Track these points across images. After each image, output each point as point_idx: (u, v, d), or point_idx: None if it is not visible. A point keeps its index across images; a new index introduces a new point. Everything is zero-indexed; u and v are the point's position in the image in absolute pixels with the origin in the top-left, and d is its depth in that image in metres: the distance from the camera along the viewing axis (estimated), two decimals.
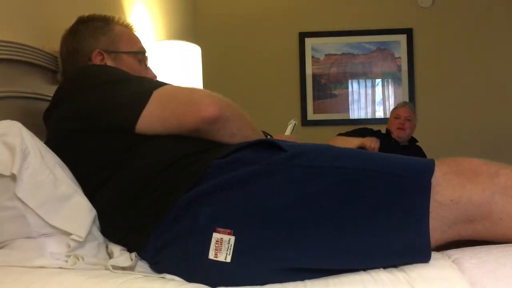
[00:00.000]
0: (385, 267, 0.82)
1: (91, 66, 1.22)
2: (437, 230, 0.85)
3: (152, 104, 0.99)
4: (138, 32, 1.40)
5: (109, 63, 1.26)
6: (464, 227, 0.86)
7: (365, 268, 0.82)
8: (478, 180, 0.87)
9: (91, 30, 1.28)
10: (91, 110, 1.03)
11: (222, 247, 0.83)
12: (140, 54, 1.32)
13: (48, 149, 0.98)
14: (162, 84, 1.05)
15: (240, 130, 1.04)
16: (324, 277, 0.82)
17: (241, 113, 1.05)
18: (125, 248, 0.95)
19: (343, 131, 3.16)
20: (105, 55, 1.26)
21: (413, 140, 3.11)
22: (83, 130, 1.02)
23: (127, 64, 1.27)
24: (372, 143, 2.86)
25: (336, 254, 0.82)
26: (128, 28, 1.35)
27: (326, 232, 0.83)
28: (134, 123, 0.99)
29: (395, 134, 2.97)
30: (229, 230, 0.83)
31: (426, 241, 0.82)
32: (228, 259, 0.82)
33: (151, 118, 0.99)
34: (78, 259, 0.86)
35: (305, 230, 0.84)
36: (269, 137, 1.19)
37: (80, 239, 0.88)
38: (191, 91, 1.03)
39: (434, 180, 0.86)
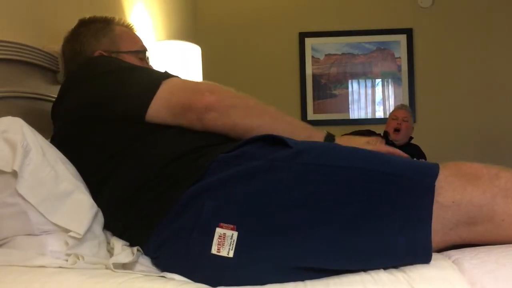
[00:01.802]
0: (385, 267, 0.82)
1: (99, 56, 1.23)
2: (438, 233, 0.85)
3: (162, 93, 1.02)
4: (138, 32, 1.41)
5: None
6: (466, 230, 0.86)
7: (365, 269, 0.82)
8: (479, 183, 0.87)
9: (93, 32, 1.29)
10: (101, 96, 1.04)
11: (225, 242, 0.83)
12: (141, 53, 1.33)
13: (50, 145, 0.99)
14: (170, 75, 1.08)
15: (243, 119, 1.04)
16: (324, 277, 0.82)
17: (249, 104, 1.06)
18: (128, 243, 0.95)
19: (343, 131, 3.15)
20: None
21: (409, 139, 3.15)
22: (90, 117, 1.03)
23: None
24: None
25: (337, 253, 0.82)
26: (128, 28, 1.37)
27: (328, 231, 0.83)
28: (144, 112, 1.01)
29: (392, 136, 3.03)
30: (232, 226, 0.83)
31: (428, 242, 0.82)
32: (231, 254, 0.82)
33: (161, 107, 1.02)
34: (78, 259, 0.86)
35: (306, 229, 0.83)
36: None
37: (79, 236, 0.88)
38: (197, 83, 1.07)
39: (436, 182, 0.86)
